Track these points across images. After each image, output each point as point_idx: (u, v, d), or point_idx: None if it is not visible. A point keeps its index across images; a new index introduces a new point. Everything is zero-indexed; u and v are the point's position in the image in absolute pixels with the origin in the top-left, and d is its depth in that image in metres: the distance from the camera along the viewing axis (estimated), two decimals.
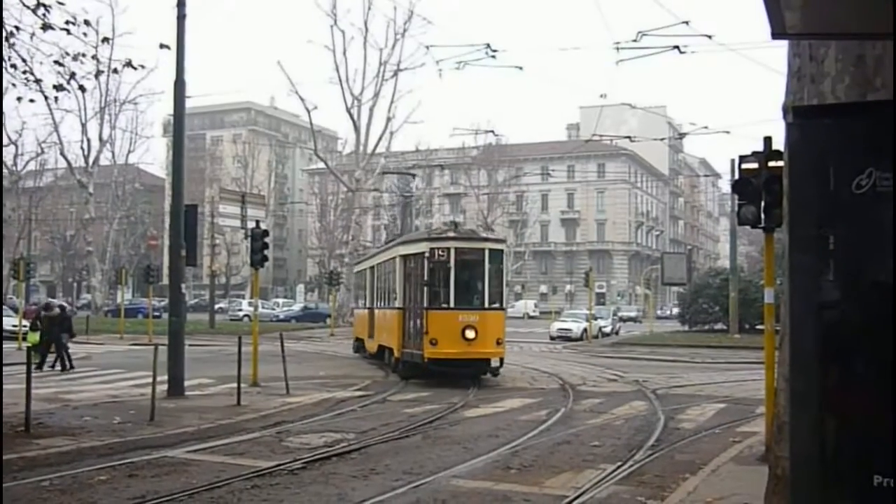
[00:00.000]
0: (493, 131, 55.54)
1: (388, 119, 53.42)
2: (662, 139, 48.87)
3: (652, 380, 22.12)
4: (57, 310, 23.75)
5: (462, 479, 9.87)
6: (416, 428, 13.12)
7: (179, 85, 17.45)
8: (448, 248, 19.72)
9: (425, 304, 19.65)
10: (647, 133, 46.29)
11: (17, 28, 12.92)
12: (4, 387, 15.01)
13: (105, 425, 12.77)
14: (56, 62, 13.50)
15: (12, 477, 9.52)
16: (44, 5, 12.39)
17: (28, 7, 12.32)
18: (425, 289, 19.69)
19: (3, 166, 58.82)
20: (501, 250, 21.40)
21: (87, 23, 13.36)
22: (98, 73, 15.11)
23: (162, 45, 14.74)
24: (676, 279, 45.31)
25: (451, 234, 20.54)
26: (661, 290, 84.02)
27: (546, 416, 15.13)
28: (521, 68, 25.24)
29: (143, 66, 14.91)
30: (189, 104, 18.78)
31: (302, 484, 9.54)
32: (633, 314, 73.23)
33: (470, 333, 19.17)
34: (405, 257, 21.09)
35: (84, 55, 13.96)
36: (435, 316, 19.42)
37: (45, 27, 12.74)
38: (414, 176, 44.87)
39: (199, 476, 9.71)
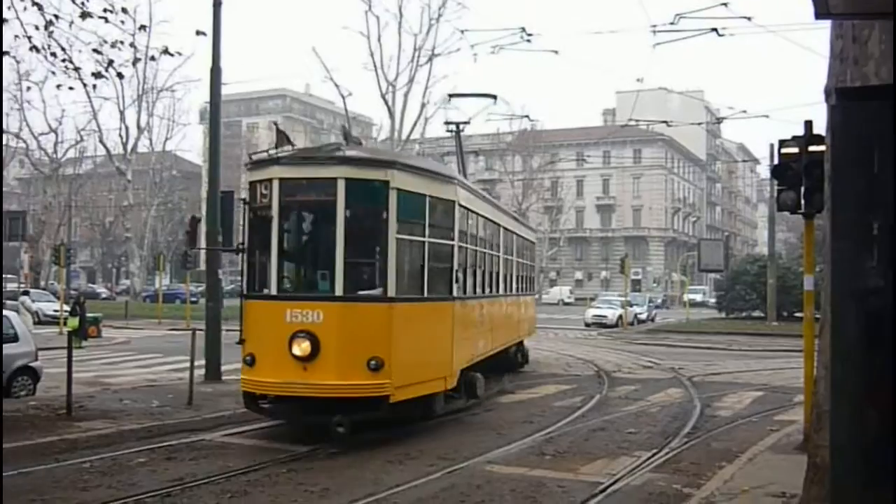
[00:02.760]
0: (528, 116, 54.96)
1: (423, 105, 53.34)
2: (700, 124, 48.43)
3: (688, 367, 21.95)
4: None
5: (497, 465, 9.88)
6: (450, 414, 13.13)
7: (215, 72, 17.54)
8: (270, 182, 10.95)
9: (244, 290, 11.94)
10: (684, 118, 45.72)
11: (57, 17, 13.06)
12: (47, 370, 15.35)
13: (144, 409, 12.94)
14: (94, 50, 13.63)
15: (54, 459, 9.71)
16: None
17: None
18: (243, 261, 11.88)
19: (45, 153, 59.73)
20: (379, 182, 10.93)
21: (124, 10, 13.46)
22: (136, 61, 15.25)
23: (198, 33, 14.80)
24: (713, 266, 44.84)
25: (281, 154, 11.27)
26: (697, 277, 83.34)
27: (581, 403, 15.09)
28: (556, 52, 25.17)
29: (179, 54, 15.00)
30: (225, 91, 18.85)
31: (338, 468, 9.60)
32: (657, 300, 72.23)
33: (301, 348, 10.35)
34: (246, 203, 11.67)
35: (122, 43, 14.08)
36: (253, 311, 11.43)
37: (84, 15, 12.87)
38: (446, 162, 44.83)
39: (235, 459, 9.83)
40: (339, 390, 10.49)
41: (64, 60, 13.69)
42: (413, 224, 11.42)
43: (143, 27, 15.22)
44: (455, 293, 12.43)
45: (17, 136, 58.95)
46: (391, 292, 10.85)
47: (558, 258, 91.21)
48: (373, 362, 10.44)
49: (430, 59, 51.91)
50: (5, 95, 59.59)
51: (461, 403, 13.40)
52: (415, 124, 54.29)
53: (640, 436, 12.00)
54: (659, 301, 70.97)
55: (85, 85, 14.95)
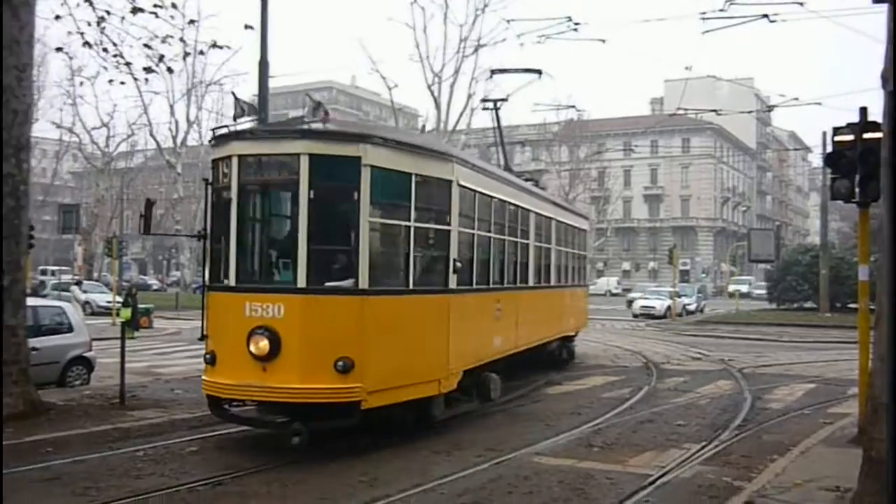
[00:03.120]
0: (574, 106, 54.72)
1: (469, 95, 53.23)
2: (750, 112, 47.58)
3: (738, 359, 21.68)
4: None
5: (544, 457, 9.85)
6: (498, 405, 13.12)
7: (263, 66, 17.66)
8: (229, 160, 9.83)
9: (206, 280, 10.76)
10: (733, 106, 45.03)
11: (108, 12, 13.28)
12: (100, 360, 15.65)
13: (195, 398, 13.10)
14: (145, 45, 13.84)
15: (108, 447, 9.90)
16: None
17: None
18: (205, 249, 10.76)
19: (97, 147, 60.75)
20: (349, 158, 9.61)
21: (174, 6, 13.66)
22: (185, 55, 15.40)
23: (247, 27, 14.96)
24: (764, 256, 44.15)
25: (241, 129, 10.40)
26: (746, 268, 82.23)
27: (629, 395, 14.98)
28: (603, 41, 24.73)
29: (228, 48, 15.18)
30: (272, 84, 18.98)
31: (386, 459, 9.65)
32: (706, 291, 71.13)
33: (258, 347, 9.23)
34: (209, 184, 10.60)
35: (171, 37, 14.29)
36: (213, 304, 10.28)
37: (135, 10, 13.09)
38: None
39: (285, 449, 9.91)
40: (302, 394, 9.23)
41: (115, 56, 13.94)
42: (393, 206, 10.18)
43: (192, 21, 15.39)
44: (452, 285, 10.97)
45: (71, 130, 60.24)
46: (363, 284, 9.47)
47: (605, 249, 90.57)
48: (340, 363, 9.19)
49: (475, 50, 51.82)
50: (59, 91, 60.74)
51: (471, 406, 12.26)
52: (461, 115, 54.23)
53: (689, 428, 11.88)
54: (708, 292, 70.14)
55: (136, 80, 15.21)
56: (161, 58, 14.03)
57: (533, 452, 10.06)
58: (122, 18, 13.38)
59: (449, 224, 10.93)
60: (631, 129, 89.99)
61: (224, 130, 10.24)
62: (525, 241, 15.19)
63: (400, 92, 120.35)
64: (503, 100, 19.06)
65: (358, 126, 11.68)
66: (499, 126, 19.29)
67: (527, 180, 17.09)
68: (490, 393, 12.77)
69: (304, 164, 9.32)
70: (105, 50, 13.77)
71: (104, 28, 13.46)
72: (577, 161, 79.57)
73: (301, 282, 9.35)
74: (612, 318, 41.69)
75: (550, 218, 17.43)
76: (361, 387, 9.32)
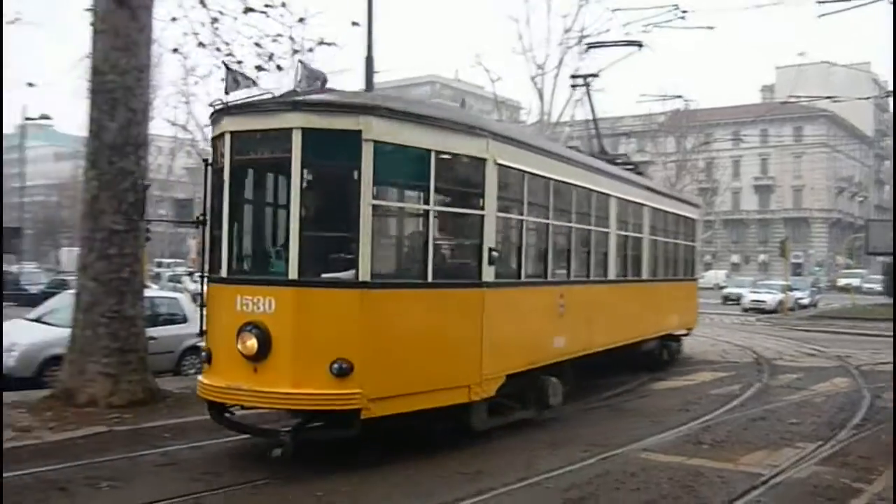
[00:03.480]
0: (681, 96, 53.39)
1: (573, 87, 52.75)
2: (867, 98, 45.74)
3: (855, 355, 20.83)
4: None
5: (652, 453, 9.70)
6: (604, 399, 12.97)
7: (369, 61, 17.91)
8: (222, 138, 8.95)
9: (206, 270, 9.66)
10: (849, 92, 43.28)
11: (221, 13, 13.69)
12: None
13: None
14: (256, 44, 14.20)
15: (224, 433, 10.16)
16: None
17: None
18: (204, 236, 9.95)
19: (195, 147, 62.62)
20: (349, 133, 8.46)
21: (283, 5, 13.98)
22: (294, 52, 15.73)
23: (354, 23, 15.19)
24: (882, 248, 42.16)
25: (233, 104, 9.04)
26: (864, 261, 78.98)
27: (739, 391, 14.60)
28: (711, 28, 24.21)
29: (335, 45, 15.45)
30: (376, 79, 19.21)
31: (490, 452, 9.66)
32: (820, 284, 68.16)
33: (246, 346, 8.32)
34: (209, 165, 9.65)
35: (281, 36, 14.62)
36: (210, 296, 9.40)
37: (247, 10, 13.46)
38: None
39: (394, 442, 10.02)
40: (292, 400, 8.33)
41: (227, 55, 14.35)
42: (407, 188, 9.41)
43: (301, 20, 15.69)
44: (488, 277, 9.64)
45: (184, 127, 62.21)
46: (364, 275, 8.31)
47: (714, 241, 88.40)
48: (336, 366, 8.10)
49: (579, 41, 51.25)
50: (174, 90, 62.98)
51: (524, 414, 11.03)
52: (565, 107, 53.77)
53: (803, 427, 11.49)
54: (822, 285, 67.56)
55: (246, 78, 15.59)
56: (271, 56, 14.37)
57: (640, 448, 9.90)
58: (235, 19, 13.78)
59: (482, 208, 9.60)
60: (741, 117, 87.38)
61: (219, 106, 9.22)
62: (603, 230, 13.72)
63: (503, 84, 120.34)
64: (594, 75, 17.85)
65: (361, 96, 10.00)
66: (591, 104, 18.17)
67: (624, 165, 16.09)
68: (549, 399, 11.36)
69: (297, 139, 8.27)
70: (218, 49, 14.20)
71: (217, 28, 13.88)
72: (684, 152, 77.78)
73: (293, 273, 8.28)
74: (721, 311, 40.70)
75: (642, 204, 15.81)
76: (361, 393, 8.21)
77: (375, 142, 8.40)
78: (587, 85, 17.64)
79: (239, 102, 8.89)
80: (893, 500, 7.70)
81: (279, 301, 8.29)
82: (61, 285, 28.74)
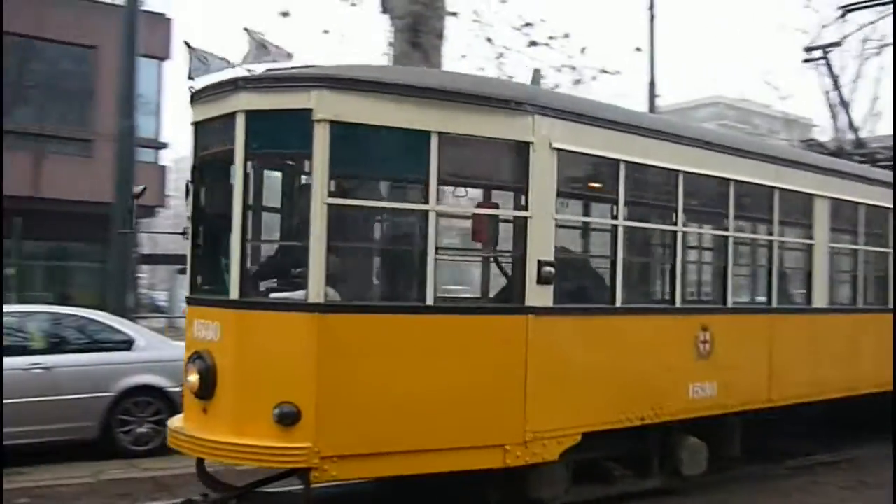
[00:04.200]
0: None
1: (874, 99, 48.92)
2: None
3: None
4: None
5: None
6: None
7: (651, 86, 17.83)
8: (192, 131, 7.24)
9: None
10: None
11: (506, 48, 14.27)
12: None
13: None
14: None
15: None
16: (528, 24, 13.54)
17: (517, 29, 13.58)
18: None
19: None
20: (297, 113, 6.26)
21: (566, 36, 14.30)
22: (576, 82, 15.98)
23: (637, 49, 15.20)
24: None
25: (196, 90, 7.02)
26: None
27: None
28: None
29: (618, 73, 15.51)
30: (658, 103, 19.05)
31: (785, 491, 9.15)
32: None
33: (189, 381, 6.60)
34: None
35: (565, 66, 14.94)
36: (188, 320, 7.29)
37: (532, 44, 13.92)
38: None
39: None
40: (232, 453, 6.32)
41: None
42: (391, 182, 7.34)
43: (583, 49, 15.92)
44: (535, 302, 6.95)
45: None
46: (315, 296, 6.12)
47: None
48: (277, 410, 6.01)
49: (879, 51, 47.49)
50: None
51: (638, 486, 8.09)
52: (864, 122, 50.00)
53: None
54: None
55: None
56: (555, 87, 14.71)
57: None
58: (518, 52, 14.30)
59: (526, 208, 6.99)
60: None
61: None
62: (793, 241, 10.31)
63: (793, 101, 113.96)
64: (835, 44, 14.60)
65: (318, 67, 6.74)
66: (835, 81, 14.63)
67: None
68: (680, 466, 8.43)
69: (240, 125, 6.36)
70: None
71: (503, 63, 14.45)
72: None
73: (234, 292, 6.38)
74: None
75: (858, 203, 10.89)
76: (309, 448, 6.01)
77: (332, 122, 6.21)
78: (825, 58, 14.21)
79: (200, 87, 7.04)
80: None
81: (223, 326, 6.47)
82: None
